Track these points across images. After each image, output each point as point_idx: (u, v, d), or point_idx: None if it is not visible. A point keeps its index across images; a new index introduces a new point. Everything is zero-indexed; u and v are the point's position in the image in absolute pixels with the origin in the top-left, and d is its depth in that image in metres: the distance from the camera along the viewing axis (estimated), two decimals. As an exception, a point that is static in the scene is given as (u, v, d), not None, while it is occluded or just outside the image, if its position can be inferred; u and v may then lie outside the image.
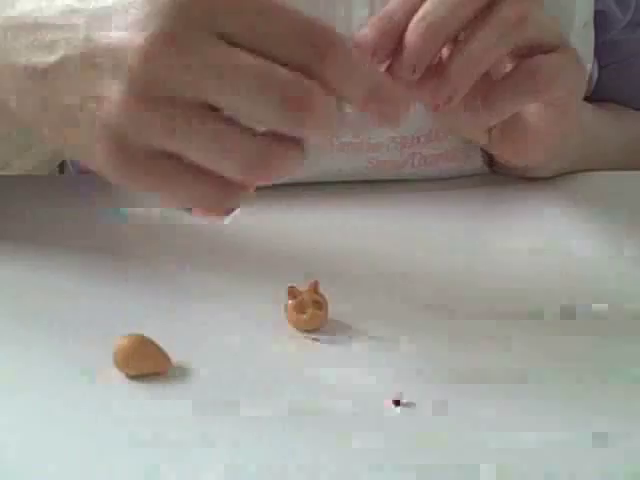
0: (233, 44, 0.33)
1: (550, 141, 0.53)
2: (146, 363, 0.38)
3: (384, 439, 0.35)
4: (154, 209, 0.55)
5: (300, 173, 0.57)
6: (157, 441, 0.34)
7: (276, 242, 0.51)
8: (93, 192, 0.54)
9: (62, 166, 0.75)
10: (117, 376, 0.37)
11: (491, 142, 0.53)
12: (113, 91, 0.33)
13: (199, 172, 0.34)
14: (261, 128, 0.34)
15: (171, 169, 0.34)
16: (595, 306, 0.45)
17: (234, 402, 0.37)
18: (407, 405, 0.37)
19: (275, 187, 0.57)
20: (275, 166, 0.34)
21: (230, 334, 0.41)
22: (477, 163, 0.61)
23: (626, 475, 0.34)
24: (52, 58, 0.35)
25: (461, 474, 0.33)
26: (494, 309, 0.45)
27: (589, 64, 0.64)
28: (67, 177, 0.71)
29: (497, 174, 0.62)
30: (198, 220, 0.53)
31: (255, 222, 0.54)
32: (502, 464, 0.34)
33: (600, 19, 0.62)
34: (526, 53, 0.45)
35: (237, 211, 0.36)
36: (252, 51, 0.33)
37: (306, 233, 0.53)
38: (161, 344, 0.38)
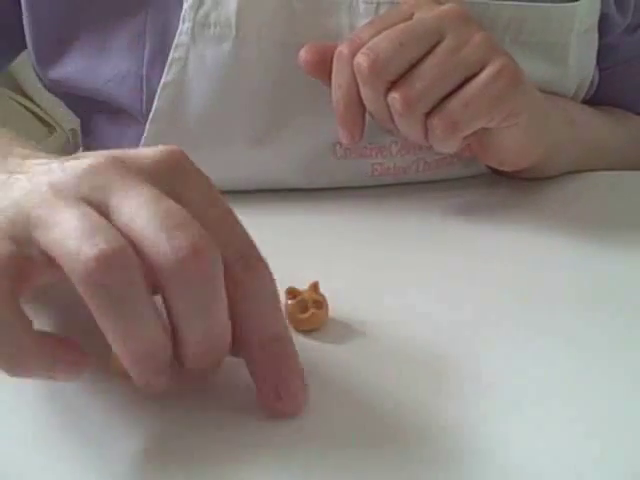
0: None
1: (524, 151, 0.55)
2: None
3: (384, 439, 0.35)
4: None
5: (304, 183, 0.58)
6: (157, 441, 0.34)
7: (276, 242, 0.51)
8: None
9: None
10: (117, 376, 0.37)
11: (472, 153, 0.55)
12: None
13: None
14: None
15: None
16: (595, 306, 0.45)
17: (234, 402, 0.37)
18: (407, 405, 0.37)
19: (276, 190, 0.58)
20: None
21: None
22: (479, 166, 0.61)
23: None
24: None
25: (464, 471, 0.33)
26: (494, 309, 0.45)
27: (591, 68, 0.65)
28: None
29: (498, 175, 0.62)
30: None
31: (255, 222, 0.54)
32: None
33: (600, 22, 0.63)
34: None
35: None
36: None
37: (306, 233, 0.53)
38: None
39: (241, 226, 0.35)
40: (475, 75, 0.50)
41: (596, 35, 0.63)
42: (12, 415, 0.36)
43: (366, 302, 0.44)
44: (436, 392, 0.38)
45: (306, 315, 0.41)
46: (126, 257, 0.30)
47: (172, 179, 0.34)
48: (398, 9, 0.52)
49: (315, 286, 0.42)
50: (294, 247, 0.50)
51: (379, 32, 0.50)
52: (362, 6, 0.54)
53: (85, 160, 0.33)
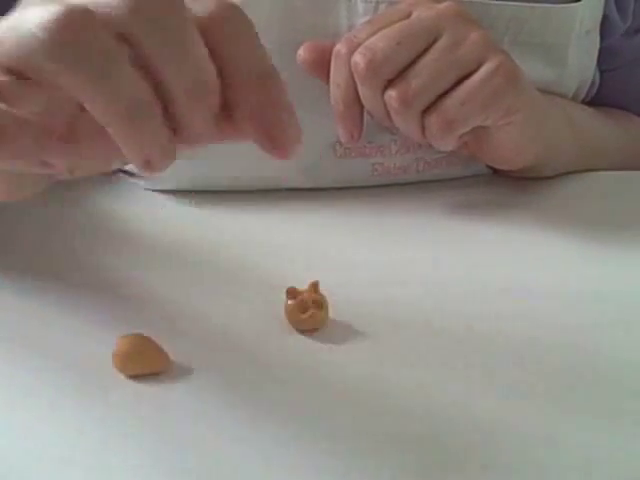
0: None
1: (522, 150, 0.55)
2: (146, 363, 0.38)
3: (384, 439, 0.35)
4: (155, 209, 0.55)
5: (305, 183, 0.58)
6: (157, 441, 0.34)
7: (276, 242, 0.51)
8: (93, 191, 0.54)
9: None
10: (117, 376, 0.37)
11: (470, 152, 0.55)
12: None
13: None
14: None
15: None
16: (596, 306, 0.45)
17: (234, 402, 0.37)
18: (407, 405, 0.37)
19: (276, 190, 0.58)
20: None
21: (230, 334, 0.41)
22: (479, 165, 0.61)
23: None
24: None
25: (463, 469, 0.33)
26: (495, 309, 0.45)
27: (591, 69, 0.65)
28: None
29: (498, 174, 0.62)
30: (199, 221, 0.54)
31: (255, 222, 0.54)
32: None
33: (601, 25, 0.63)
34: None
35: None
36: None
37: (306, 233, 0.53)
38: (161, 344, 0.38)
39: None
40: (472, 73, 0.50)
41: (597, 37, 0.63)
42: (12, 415, 0.36)
43: (366, 302, 0.44)
44: (437, 392, 0.38)
45: (306, 315, 0.41)
46: (86, 12, 0.30)
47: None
48: (396, 8, 0.52)
49: (315, 286, 0.42)
50: (294, 247, 0.50)
51: (377, 31, 0.50)
52: (361, 5, 0.54)
53: None
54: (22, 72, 0.31)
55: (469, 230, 0.54)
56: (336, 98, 0.52)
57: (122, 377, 0.37)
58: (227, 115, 0.33)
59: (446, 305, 0.45)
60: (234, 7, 0.33)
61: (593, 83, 0.66)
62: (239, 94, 0.33)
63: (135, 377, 0.37)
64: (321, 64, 0.52)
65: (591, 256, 0.51)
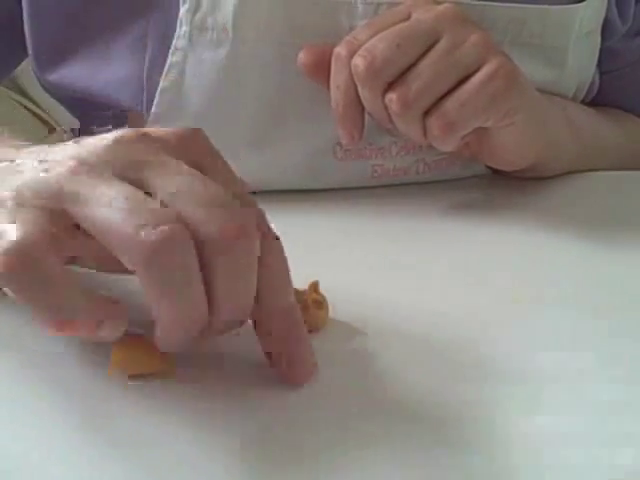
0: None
1: (522, 150, 0.55)
2: (146, 363, 0.38)
3: (384, 439, 0.35)
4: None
5: (305, 185, 0.58)
6: (157, 441, 0.34)
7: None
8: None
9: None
10: (117, 376, 0.37)
11: (471, 153, 0.55)
12: None
13: None
14: None
15: None
16: (596, 306, 0.45)
17: (234, 402, 0.37)
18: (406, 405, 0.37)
19: (276, 191, 0.58)
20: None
21: (230, 334, 0.41)
22: (479, 165, 0.62)
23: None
24: None
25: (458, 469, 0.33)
26: (495, 308, 0.45)
27: (591, 71, 0.65)
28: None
29: (498, 174, 0.62)
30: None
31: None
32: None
33: (602, 27, 0.63)
34: None
35: None
36: None
37: (307, 233, 0.53)
38: (161, 344, 0.38)
39: (257, 205, 0.37)
40: (472, 75, 0.50)
41: (598, 38, 0.63)
42: (12, 415, 0.36)
43: (366, 302, 0.44)
44: (437, 391, 0.38)
45: (306, 315, 0.41)
46: (186, 235, 0.31)
47: (197, 158, 0.34)
48: (395, 10, 0.52)
49: (315, 286, 0.42)
50: (294, 247, 0.50)
51: (376, 33, 0.50)
52: (361, 6, 0.54)
53: (109, 135, 0.34)
54: None
55: (469, 230, 0.54)
56: (336, 100, 0.52)
57: (122, 377, 0.37)
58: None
59: (446, 305, 0.45)
60: (274, 243, 0.36)
61: (593, 84, 0.66)
62: (264, 322, 0.36)
63: (135, 377, 0.37)
64: (321, 67, 0.52)
65: (591, 256, 0.51)
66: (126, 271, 0.32)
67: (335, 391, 0.38)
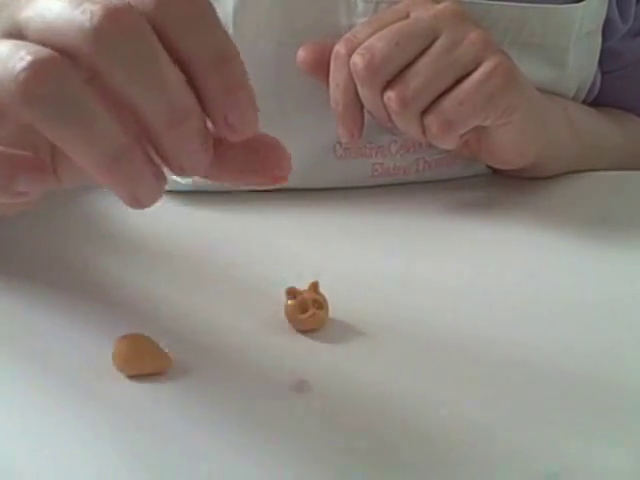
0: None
1: (521, 149, 0.55)
2: (146, 363, 0.38)
3: (385, 439, 0.35)
4: (154, 209, 0.54)
5: (305, 184, 0.58)
6: (157, 441, 0.34)
7: (276, 242, 0.51)
8: (90, 191, 0.54)
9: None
10: (117, 376, 0.37)
11: (470, 151, 0.55)
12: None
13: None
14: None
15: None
16: (596, 305, 0.45)
17: (234, 402, 0.37)
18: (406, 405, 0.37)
19: (276, 190, 0.58)
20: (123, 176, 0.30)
21: (230, 334, 0.41)
22: (479, 165, 0.61)
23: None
24: None
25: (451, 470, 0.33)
26: (495, 308, 0.45)
27: (591, 71, 0.65)
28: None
29: (498, 174, 0.62)
30: (199, 221, 0.54)
31: (255, 222, 0.54)
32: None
33: (603, 27, 0.63)
34: None
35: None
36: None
37: (306, 233, 0.53)
38: (161, 344, 0.38)
39: None
40: (470, 73, 0.50)
41: (599, 38, 0.63)
42: (12, 415, 0.36)
43: (366, 302, 0.44)
44: (437, 391, 0.38)
45: (306, 315, 0.41)
46: (55, 62, 0.29)
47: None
48: (394, 8, 0.52)
49: (315, 286, 0.42)
50: (294, 247, 0.50)
51: (375, 31, 0.50)
52: (360, 5, 0.54)
53: None
54: None
55: (469, 230, 0.54)
56: (336, 98, 0.52)
57: (122, 377, 0.37)
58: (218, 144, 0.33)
59: (446, 305, 0.45)
60: None
61: (594, 84, 0.66)
62: (200, 83, 0.31)
63: (135, 377, 0.37)
64: (320, 64, 0.52)
65: (591, 256, 0.51)
66: None
67: (335, 391, 0.38)
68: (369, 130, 0.54)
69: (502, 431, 0.35)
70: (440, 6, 0.51)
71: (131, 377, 0.37)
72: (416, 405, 0.37)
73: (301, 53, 0.53)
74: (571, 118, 0.62)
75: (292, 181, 0.58)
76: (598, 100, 0.68)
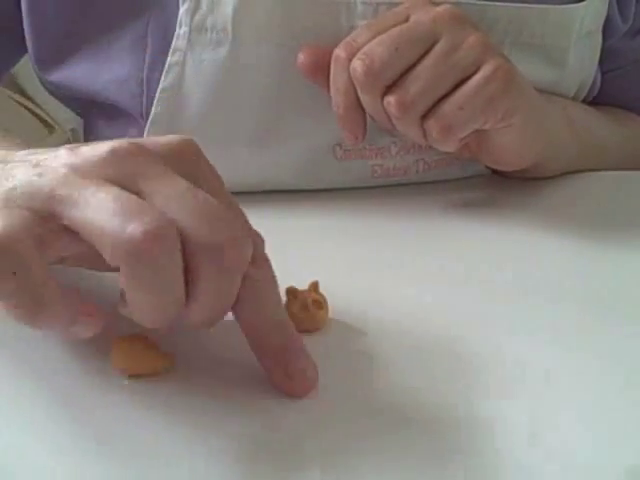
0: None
1: (522, 151, 0.55)
2: (146, 363, 0.38)
3: (384, 439, 0.35)
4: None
5: (305, 185, 0.58)
6: (157, 441, 0.34)
7: (276, 242, 0.51)
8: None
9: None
10: (117, 376, 0.37)
11: (470, 153, 0.55)
12: None
13: None
14: None
15: None
16: (596, 305, 0.45)
17: (234, 402, 0.37)
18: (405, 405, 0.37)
19: (276, 191, 0.58)
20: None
21: (230, 334, 0.41)
22: (479, 165, 0.62)
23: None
24: None
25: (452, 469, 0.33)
26: (495, 309, 0.45)
27: (591, 70, 0.65)
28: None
29: (498, 174, 0.62)
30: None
31: (255, 222, 0.54)
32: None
33: (603, 26, 0.63)
34: None
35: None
36: None
37: (306, 233, 0.53)
38: (161, 344, 0.38)
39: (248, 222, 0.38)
40: (470, 77, 0.50)
41: (600, 38, 0.63)
42: (12, 415, 0.36)
43: (366, 302, 0.44)
44: (437, 391, 0.38)
45: (306, 315, 0.41)
46: (173, 235, 0.31)
47: (190, 169, 0.35)
48: (394, 12, 0.52)
49: (315, 286, 0.42)
50: (294, 247, 0.50)
51: (375, 35, 0.50)
52: (360, 7, 0.54)
53: (104, 144, 0.34)
54: None
55: (469, 230, 0.54)
56: (337, 102, 0.52)
57: (122, 377, 0.37)
58: None
59: (446, 305, 0.45)
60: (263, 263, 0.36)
61: (594, 84, 0.66)
62: (257, 337, 0.36)
63: (135, 377, 0.37)
64: (320, 68, 0.53)
65: (591, 256, 0.51)
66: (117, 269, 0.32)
67: (335, 391, 0.38)
68: (369, 132, 0.54)
69: (506, 430, 0.35)
70: (439, 9, 0.51)
71: (131, 377, 0.37)
72: (416, 405, 0.37)
73: (301, 57, 0.53)
74: (571, 118, 0.62)
75: (292, 182, 0.59)
76: (598, 99, 0.68)
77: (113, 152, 0.33)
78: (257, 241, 0.37)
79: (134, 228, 0.31)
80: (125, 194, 0.32)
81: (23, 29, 0.59)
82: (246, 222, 0.37)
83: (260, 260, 0.36)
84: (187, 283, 0.33)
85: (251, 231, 0.37)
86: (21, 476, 0.32)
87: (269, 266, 0.37)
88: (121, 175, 0.33)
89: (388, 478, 0.33)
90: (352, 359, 0.40)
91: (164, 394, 0.37)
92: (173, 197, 0.32)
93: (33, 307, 0.32)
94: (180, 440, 0.34)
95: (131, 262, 0.31)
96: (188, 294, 0.33)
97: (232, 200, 0.37)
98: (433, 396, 0.37)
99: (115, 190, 0.32)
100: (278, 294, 0.37)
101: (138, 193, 0.32)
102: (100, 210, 0.31)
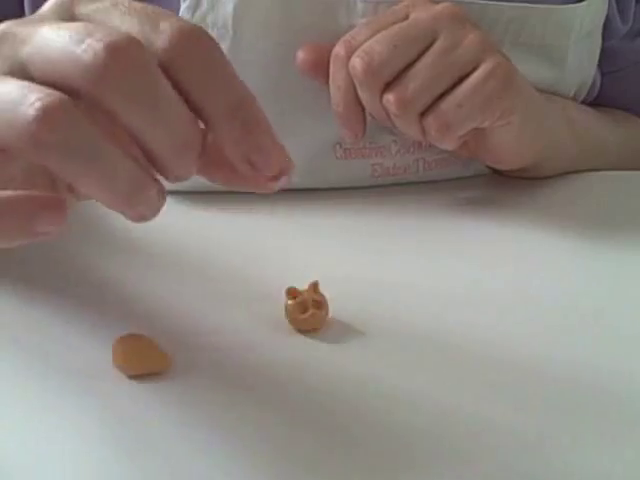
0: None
1: (521, 150, 0.55)
2: (146, 363, 0.38)
3: (384, 439, 0.35)
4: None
5: (304, 184, 0.58)
6: (157, 441, 0.34)
7: (276, 242, 0.51)
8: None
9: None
10: (117, 376, 0.37)
11: (470, 152, 0.55)
12: None
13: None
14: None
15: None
16: (596, 306, 0.45)
17: (234, 402, 0.37)
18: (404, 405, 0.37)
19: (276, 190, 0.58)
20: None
21: (230, 334, 0.41)
22: (479, 165, 0.61)
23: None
24: None
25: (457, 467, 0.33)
26: (495, 309, 0.45)
27: (591, 71, 0.65)
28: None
29: (497, 174, 0.62)
30: (199, 221, 0.54)
31: (255, 222, 0.54)
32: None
33: (603, 27, 0.63)
34: None
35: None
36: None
37: (306, 233, 0.53)
38: (161, 344, 0.38)
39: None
40: (469, 75, 0.50)
41: (599, 38, 0.63)
42: (12, 415, 0.36)
43: (366, 302, 0.44)
44: (437, 391, 0.38)
45: (306, 315, 0.41)
46: (65, 107, 0.29)
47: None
48: (393, 9, 0.52)
49: (315, 286, 0.42)
50: (294, 247, 0.50)
51: (374, 33, 0.50)
52: (360, 5, 0.54)
53: None
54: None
55: (469, 229, 0.54)
56: (336, 100, 0.52)
57: (122, 377, 0.37)
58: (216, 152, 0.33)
59: (446, 305, 0.45)
60: (194, 33, 0.31)
61: (594, 84, 0.66)
62: (218, 130, 0.32)
63: (135, 377, 0.37)
64: (320, 66, 0.53)
65: (591, 256, 0.51)
66: None
67: (334, 391, 0.38)
68: (370, 130, 0.54)
69: (506, 430, 0.35)
70: (439, 7, 0.51)
71: (131, 377, 0.37)
72: (416, 405, 0.37)
73: (300, 55, 0.53)
74: (570, 118, 0.62)
75: (292, 181, 0.58)
76: (598, 100, 0.68)
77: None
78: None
79: (23, 113, 0.29)
80: (8, 78, 0.30)
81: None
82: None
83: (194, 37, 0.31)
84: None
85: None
86: (21, 476, 0.32)
87: (209, 41, 0.32)
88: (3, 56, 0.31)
89: (389, 478, 0.33)
90: (352, 359, 0.40)
91: (164, 394, 0.37)
92: (43, 47, 0.30)
93: None
94: (180, 440, 0.34)
95: (38, 152, 0.29)
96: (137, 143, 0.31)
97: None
98: (433, 396, 0.37)
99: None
100: (230, 67, 0.32)
101: (22, 66, 0.31)
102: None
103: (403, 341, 0.41)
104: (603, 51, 0.64)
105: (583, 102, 0.67)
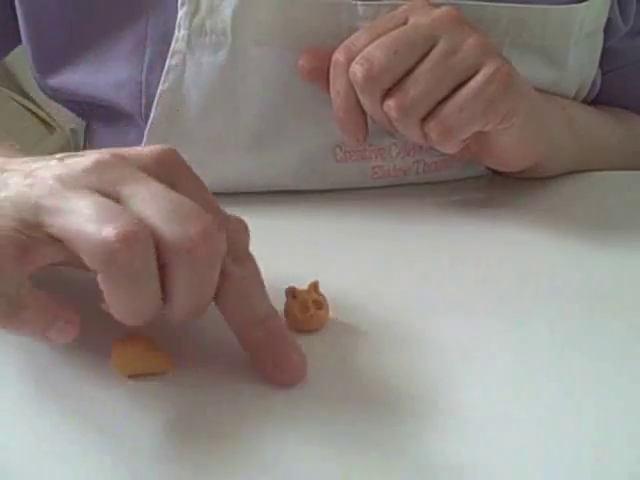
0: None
1: (522, 152, 0.55)
2: (146, 363, 0.38)
3: (384, 439, 0.35)
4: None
5: (305, 186, 0.58)
6: (157, 441, 0.34)
7: (276, 243, 0.51)
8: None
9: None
10: (117, 376, 0.37)
11: (471, 155, 0.55)
12: None
13: None
14: None
15: None
16: (596, 306, 0.45)
17: (234, 402, 0.37)
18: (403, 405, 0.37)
19: (276, 192, 0.58)
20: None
21: (230, 334, 0.41)
22: (479, 167, 0.62)
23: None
24: None
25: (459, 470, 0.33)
26: (495, 309, 0.45)
27: (592, 71, 0.65)
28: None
29: (498, 175, 0.62)
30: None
31: (256, 224, 0.54)
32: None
33: (604, 26, 0.63)
34: None
35: None
36: None
37: (306, 234, 0.53)
38: (161, 344, 0.38)
39: (232, 221, 0.38)
40: (470, 78, 0.50)
41: (601, 38, 0.63)
42: (11, 415, 0.36)
43: (366, 302, 0.44)
44: (437, 392, 0.38)
45: (306, 315, 0.41)
46: (145, 237, 0.33)
47: (170, 175, 0.36)
48: (393, 14, 0.52)
49: (315, 286, 0.42)
50: (294, 248, 0.50)
51: (374, 38, 0.50)
52: (361, 8, 0.54)
53: (89, 156, 0.36)
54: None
55: (469, 231, 0.54)
56: (337, 105, 0.52)
57: (122, 377, 0.37)
58: None
59: (446, 305, 0.45)
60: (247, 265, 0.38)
61: (595, 84, 0.66)
62: (244, 334, 0.37)
63: (135, 377, 0.37)
64: (321, 71, 0.53)
65: (591, 256, 0.51)
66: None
67: (334, 391, 0.38)
68: (370, 132, 0.54)
69: (505, 429, 0.35)
70: (438, 11, 0.51)
71: (131, 377, 0.37)
72: (416, 405, 0.37)
73: (301, 59, 0.53)
74: (571, 118, 0.62)
75: (292, 183, 0.58)
76: (599, 99, 0.68)
77: (96, 162, 0.35)
78: (239, 238, 0.38)
79: (108, 232, 0.32)
80: (102, 200, 0.34)
81: (15, 22, 0.58)
82: (224, 220, 0.37)
83: (242, 256, 0.38)
84: (164, 282, 0.34)
85: (231, 227, 0.37)
86: (21, 476, 0.32)
87: (252, 262, 0.38)
88: (102, 183, 0.35)
89: (389, 478, 0.33)
90: (352, 359, 0.40)
91: (163, 394, 0.37)
92: (147, 199, 0.34)
93: (8, 309, 0.33)
94: (180, 439, 0.34)
95: (106, 264, 0.33)
96: (165, 292, 0.34)
97: (210, 199, 0.38)
98: (432, 397, 0.37)
99: (94, 197, 0.34)
100: (262, 289, 0.38)
101: (117, 199, 0.34)
102: (79, 217, 0.33)
103: (403, 341, 0.41)
104: (604, 50, 0.64)
105: (583, 102, 0.67)
